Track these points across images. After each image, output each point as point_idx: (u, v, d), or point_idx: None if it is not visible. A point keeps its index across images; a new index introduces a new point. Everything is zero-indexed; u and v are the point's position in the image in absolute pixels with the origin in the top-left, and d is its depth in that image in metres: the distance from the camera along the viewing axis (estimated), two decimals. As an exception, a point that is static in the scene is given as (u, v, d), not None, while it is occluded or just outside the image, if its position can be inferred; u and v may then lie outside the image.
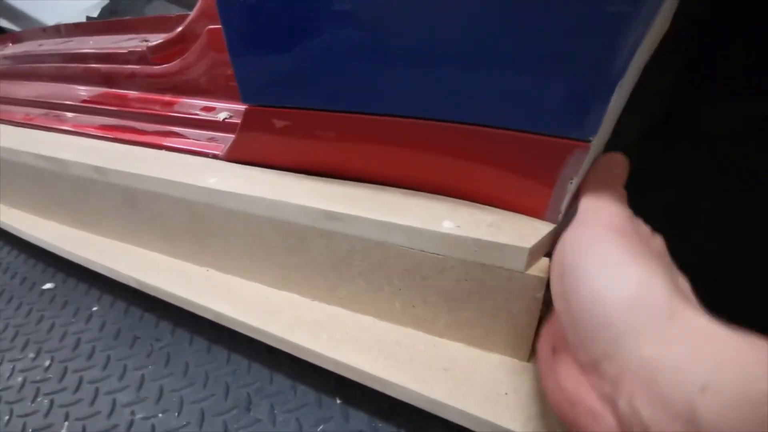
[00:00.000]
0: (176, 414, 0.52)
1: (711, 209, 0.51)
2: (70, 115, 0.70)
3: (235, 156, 0.49)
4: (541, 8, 0.24)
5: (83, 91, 0.71)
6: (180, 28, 0.56)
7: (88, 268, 0.65)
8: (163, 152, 0.56)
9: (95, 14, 1.28)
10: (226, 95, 0.56)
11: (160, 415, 0.52)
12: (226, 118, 0.54)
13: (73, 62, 0.72)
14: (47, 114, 0.73)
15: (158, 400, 0.54)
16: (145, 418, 0.52)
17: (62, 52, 0.75)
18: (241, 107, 0.51)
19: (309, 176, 0.44)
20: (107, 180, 0.55)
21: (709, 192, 0.52)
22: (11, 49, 1.00)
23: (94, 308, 0.71)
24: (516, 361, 0.38)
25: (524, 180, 0.32)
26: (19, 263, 0.86)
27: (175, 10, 1.08)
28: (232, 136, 0.52)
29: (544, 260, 0.33)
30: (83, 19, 1.29)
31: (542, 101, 0.27)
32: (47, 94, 0.75)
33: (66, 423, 0.52)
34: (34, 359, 0.62)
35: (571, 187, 0.30)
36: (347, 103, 0.36)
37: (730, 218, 0.50)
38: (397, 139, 0.36)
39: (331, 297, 0.46)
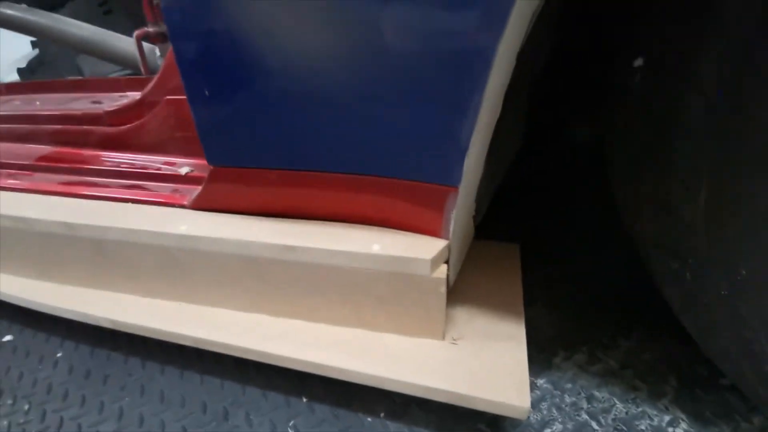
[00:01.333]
0: (159, 433, 0.59)
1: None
2: (26, 174, 0.74)
3: (200, 205, 0.59)
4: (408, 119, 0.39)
5: (35, 150, 0.76)
6: (138, 96, 0.65)
7: (49, 315, 0.69)
8: (129, 205, 0.64)
9: (23, 65, 1.28)
10: (184, 152, 0.66)
11: (144, 436, 0.59)
12: (188, 172, 0.64)
13: (23, 123, 0.77)
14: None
15: (140, 424, 0.61)
16: (132, 442, 0.58)
17: (9, 113, 0.79)
18: (201, 162, 0.62)
19: (266, 218, 0.56)
20: (77, 234, 0.61)
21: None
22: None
23: (59, 354, 0.74)
24: (434, 340, 0.52)
25: (424, 213, 0.47)
26: (-36, 321, 0.85)
27: (106, 66, 1.12)
28: (195, 187, 0.62)
29: (444, 265, 0.48)
30: (13, 72, 1.28)
31: (426, 163, 0.42)
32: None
33: (54, 458, 0.57)
34: (12, 405, 0.65)
35: (453, 216, 0.45)
36: (294, 163, 0.49)
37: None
38: (333, 187, 0.49)
39: (293, 312, 0.57)
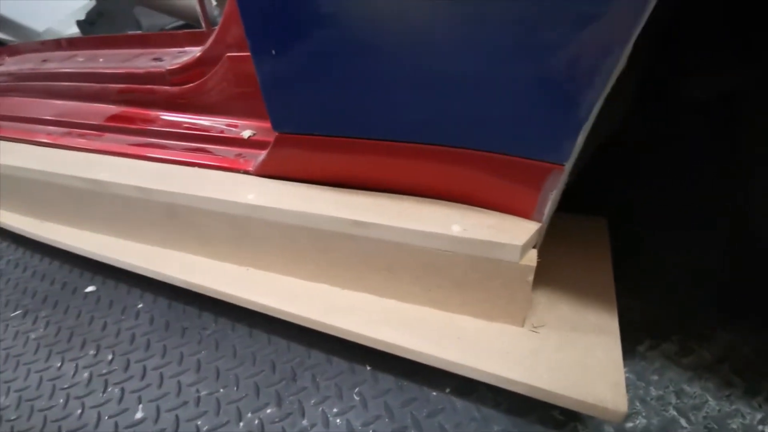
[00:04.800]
0: (235, 388, 0.62)
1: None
2: (94, 134, 0.75)
3: (265, 172, 0.57)
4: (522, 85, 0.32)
5: (102, 109, 0.76)
6: (198, 53, 0.62)
7: (130, 271, 0.73)
8: (196, 169, 0.63)
9: (82, 17, 1.28)
10: (246, 114, 0.63)
11: (221, 390, 0.62)
12: (251, 136, 0.61)
13: (88, 81, 0.77)
14: (70, 133, 0.78)
15: (217, 378, 0.64)
16: (210, 394, 0.62)
17: (75, 70, 0.79)
18: (263, 124, 0.59)
19: (333, 188, 0.53)
20: (149, 198, 0.62)
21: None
22: (10, 64, 1.02)
23: (140, 305, 0.79)
24: (513, 327, 0.48)
25: (516, 190, 0.41)
26: (54, 270, 0.93)
27: (164, 17, 1.09)
28: (258, 152, 0.60)
29: (533, 251, 0.43)
30: (72, 23, 1.29)
31: (529, 136, 0.36)
32: (66, 113, 0.80)
33: (140, 405, 0.62)
34: (95, 356, 0.71)
35: (552, 196, 0.39)
36: (372, 132, 0.44)
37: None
38: (413, 159, 0.44)
39: (359, 285, 0.56)
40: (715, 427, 0.51)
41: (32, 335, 0.78)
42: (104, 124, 0.75)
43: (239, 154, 0.62)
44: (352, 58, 0.39)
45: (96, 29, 1.32)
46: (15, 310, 0.85)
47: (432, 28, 0.34)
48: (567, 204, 0.61)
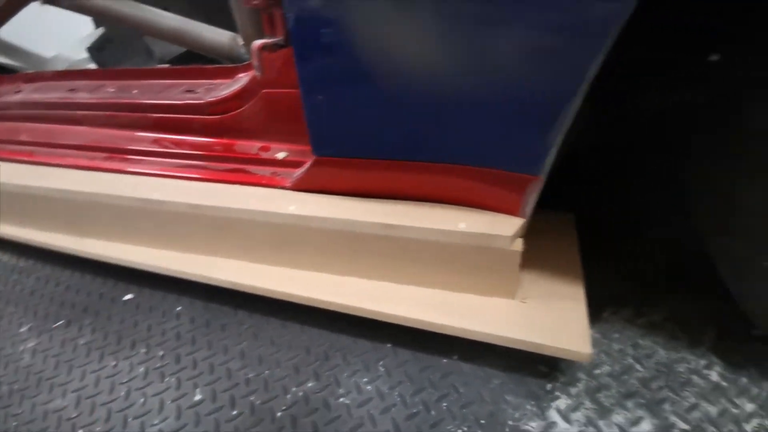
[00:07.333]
0: (278, 369, 0.74)
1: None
2: (135, 158, 0.85)
3: (301, 187, 0.69)
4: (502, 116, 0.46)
5: (139, 136, 0.87)
6: (236, 89, 0.74)
7: (163, 276, 0.83)
8: (237, 186, 0.75)
9: (89, 43, 1.37)
10: (278, 138, 0.75)
11: (266, 372, 0.74)
12: (284, 157, 0.73)
13: (126, 111, 0.87)
14: (111, 158, 0.88)
15: (260, 363, 0.75)
16: (257, 376, 0.73)
17: (111, 101, 0.89)
18: (294, 147, 0.72)
19: (361, 198, 0.66)
20: (199, 212, 0.73)
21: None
22: (31, 92, 1.10)
23: (178, 308, 0.89)
24: (507, 300, 0.62)
25: (506, 196, 0.56)
26: (87, 282, 1.01)
27: (173, 47, 1.20)
28: (291, 170, 0.72)
29: (520, 240, 0.57)
30: (80, 49, 1.37)
31: (515, 156, 0.51)
32: (103, 140, 0.90)
33: (197, 389, 0.73)
34: (147, 353, 0.81)
35: (533, 198, 0.54)
36: (394, 155, 0.57)
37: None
38: (428, 174, 0.58)
39: (382, 275, 0.69)
40: (665, 370, 0.67)
41: (80, 341, 0.87)
42: (144, 148, 0.85)
43: (274, 173, 0.74)
44: (388, 102, 0.53)
45: (105, 55, 1.40)
46: (57, 321, 0.93)
47: (451, 79, 0.48)
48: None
